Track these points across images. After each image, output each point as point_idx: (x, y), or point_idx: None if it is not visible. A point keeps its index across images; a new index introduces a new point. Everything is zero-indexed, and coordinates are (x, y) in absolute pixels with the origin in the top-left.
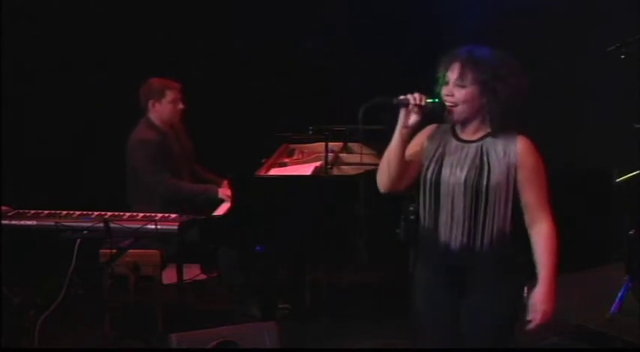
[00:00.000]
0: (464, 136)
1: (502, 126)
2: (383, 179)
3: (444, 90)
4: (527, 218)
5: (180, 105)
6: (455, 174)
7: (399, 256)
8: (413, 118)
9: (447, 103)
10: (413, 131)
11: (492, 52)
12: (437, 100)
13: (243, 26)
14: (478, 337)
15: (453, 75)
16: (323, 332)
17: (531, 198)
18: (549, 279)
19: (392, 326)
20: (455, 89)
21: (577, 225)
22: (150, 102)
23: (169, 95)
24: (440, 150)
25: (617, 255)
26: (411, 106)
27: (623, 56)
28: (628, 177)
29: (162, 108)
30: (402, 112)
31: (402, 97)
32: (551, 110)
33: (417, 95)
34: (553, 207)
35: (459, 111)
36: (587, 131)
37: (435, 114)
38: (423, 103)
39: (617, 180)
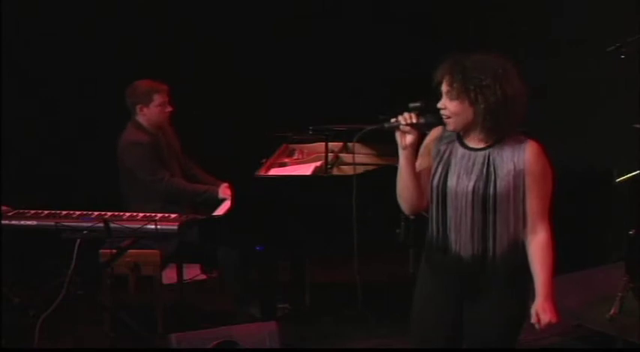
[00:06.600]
0: (470, 144)
1: (500, 132)
2: (405, 203)
3: (439, 104)
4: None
5: (169, 108)
6: (462, 182)
7: (399, 256)
8: (409, 138)
9: (443, 116)
10: (415, 147)
11: (478, 60)
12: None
13: (242, 25)
14: (481, 341)
15: (444, 87)
16: (323, 332)
17: (533, 206)
18: (546, 291)
19: (392, 326)
20: (447, 101)
21: (577, 225)
22: (137, 107)
23: (157, 99)
24: (446, 155)
25: (617, 255)
26: (402, 127)
27: (623, 56)
28: (628, 177)
29: (151, 112)
30: (397, 135)
31: (392, 120)
32: (550, 110)
33: (406, 115)
34: (553, 207)
35: (454, 123)
36: (587, 131)
37: (432, 128)
38: (414, 121)
39: (617, 180)
